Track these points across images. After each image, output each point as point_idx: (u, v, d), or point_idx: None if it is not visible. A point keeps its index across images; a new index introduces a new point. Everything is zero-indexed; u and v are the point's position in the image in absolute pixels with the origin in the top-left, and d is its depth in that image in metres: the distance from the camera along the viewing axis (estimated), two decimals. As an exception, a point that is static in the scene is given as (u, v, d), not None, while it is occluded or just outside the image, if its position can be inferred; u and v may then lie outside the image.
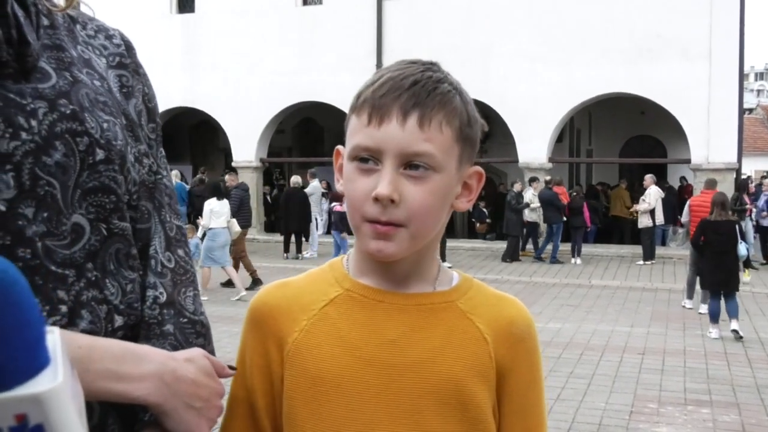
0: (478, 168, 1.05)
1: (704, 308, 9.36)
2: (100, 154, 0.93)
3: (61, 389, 0.68)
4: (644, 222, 14.54)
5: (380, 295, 1.01)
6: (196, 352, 0.97)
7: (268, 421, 1.04)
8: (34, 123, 0.88)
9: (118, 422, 0.95)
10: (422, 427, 0.97)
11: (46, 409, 0.67)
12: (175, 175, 16.82)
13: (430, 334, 0.99)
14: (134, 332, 0.99)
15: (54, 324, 0.86)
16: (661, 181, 18.31)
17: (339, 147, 1.05)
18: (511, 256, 15.10)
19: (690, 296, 10.26)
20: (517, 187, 15.36)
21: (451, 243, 16.85)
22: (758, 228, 15.20)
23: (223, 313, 8.99)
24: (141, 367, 0.89)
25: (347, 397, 0.97)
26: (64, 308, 0.88)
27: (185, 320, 1.02)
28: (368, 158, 0.95)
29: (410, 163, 0.94)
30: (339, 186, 1.03)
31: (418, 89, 0.95)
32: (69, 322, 0.88)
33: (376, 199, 0.93)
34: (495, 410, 1.02)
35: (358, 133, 0.97)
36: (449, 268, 1.09)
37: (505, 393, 1.02)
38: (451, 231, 19.97)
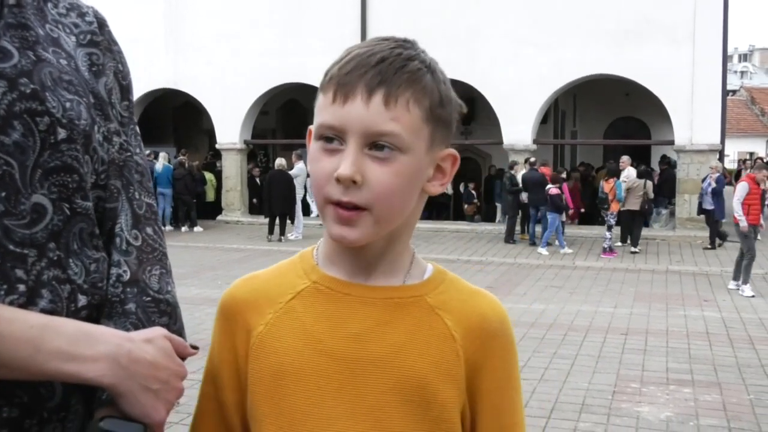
0: (452, 150, 1.00)
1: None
2: (62, 134, 0.93)
3: None
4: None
5: (347, 287, 0.98)
6: (156, 332, 0.95)
7: (238, 418, 1.01)
8: None
9: (81, 402, 0.95)
10: (383, 423, 0.94)
11: None
12: (163, 157, 16.67)
13: (394, 329, 0.96)
14: (100, 312, 0.97)
15: (11, 303, 0.86)
16: (644, 162, 18.35)
17: (311, 126, 1.02)
18: (508, 237, 15.10)
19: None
20: (517, 168, 15.26)
21: (435, 225, 16.87)
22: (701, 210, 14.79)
23: (208, 296, 8.97)
24: (95, 347, 0.88)
25: (308, 391, 0.95)
26: (22, 287, 0.87)
27: (149, 299, 1.01)
28: (333, 137, 0.92)
29: (375, 144, 0.90)
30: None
31: (385, 66, 0.91)
32: (28, 302, 0.88)
33: (339, 180, 0.90)
34: (466, 409, 0.98)
35: (322, 112, 0.94)
36: None
37: (477, 391, 0.98)
38: (445, 214, 19.95)
